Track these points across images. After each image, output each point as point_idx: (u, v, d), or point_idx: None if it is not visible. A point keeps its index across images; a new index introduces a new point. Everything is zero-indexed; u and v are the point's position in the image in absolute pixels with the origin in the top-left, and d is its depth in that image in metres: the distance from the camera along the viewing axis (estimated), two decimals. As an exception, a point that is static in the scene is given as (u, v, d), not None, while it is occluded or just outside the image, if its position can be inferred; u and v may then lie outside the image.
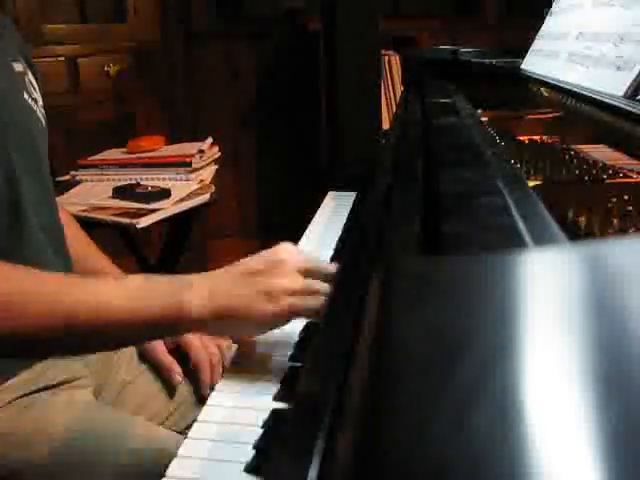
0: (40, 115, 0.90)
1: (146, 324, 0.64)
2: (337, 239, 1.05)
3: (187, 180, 1.83)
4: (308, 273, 0.68)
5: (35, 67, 0.96)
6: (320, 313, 0.65)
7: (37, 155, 0.87)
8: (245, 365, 0.70)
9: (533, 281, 0.26)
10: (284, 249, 0.69)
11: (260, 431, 0.58)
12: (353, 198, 1.28)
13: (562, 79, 0.90)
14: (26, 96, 0.88)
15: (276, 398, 0.63)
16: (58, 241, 0.91)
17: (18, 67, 0.89)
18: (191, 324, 0.64)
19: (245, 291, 0.63)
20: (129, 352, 0.97)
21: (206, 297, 0.63)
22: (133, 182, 1.78)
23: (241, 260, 0.68)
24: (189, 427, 0.61)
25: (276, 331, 0.72)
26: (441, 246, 0.42)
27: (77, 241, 1.00)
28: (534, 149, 0.92)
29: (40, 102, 0.92)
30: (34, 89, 0.91)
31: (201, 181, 1.84)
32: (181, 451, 0.57)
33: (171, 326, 0.65)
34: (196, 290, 0.63)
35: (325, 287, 0.67)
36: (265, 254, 0.68)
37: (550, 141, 1.00)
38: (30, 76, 0.92)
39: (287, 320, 0.67)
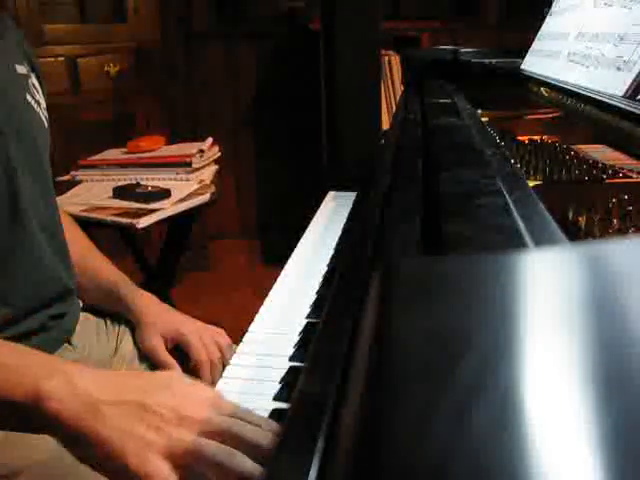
0: (42, 117, 0.91)
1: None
2: (337, 239, 1.05)
3: (187, 180, 1.83)
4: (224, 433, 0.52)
5: (38, 70, 0.96)
6: None
7: (37, 156, 0.87)
8: (245, 365, 0.70)
9: (533, 281, 0.26)
10: (198, 396, 0.54)
11: (260, 431, 0.58)
12: (353, 198, 1.28)
13: (562, 79, 0.90)
14: (29, 98, 0.88)
15: (276, 398, 0.63)
16: (58, 241, 0.91)
17: (21, 69, 0.89)
18: (43, 421, 0.51)
19: (127, 425, 0.49)
20: (129, 352, 0.97)
21: (77, 398, 0.50)
22: (133, 182, 1.78)
23: (147, 377, 0.56)
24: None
25: (276, 330, 0.72)
26: (441, 246, 0.42)
27: (77, 242, 1.00)
28: (534, 149, 0.92)
29: (43, 104, 0.92)
30: (37, 91, 0.91)
31: (201, 181, 1.84)
32: (181, 451, 0.57)
33: (18, 416, 0.53)
34: (70, 384, 0.51)
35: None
36: (174, 395, 0.52)
37: (550, 141, 1.00)
38: (33, 79, 0.92)
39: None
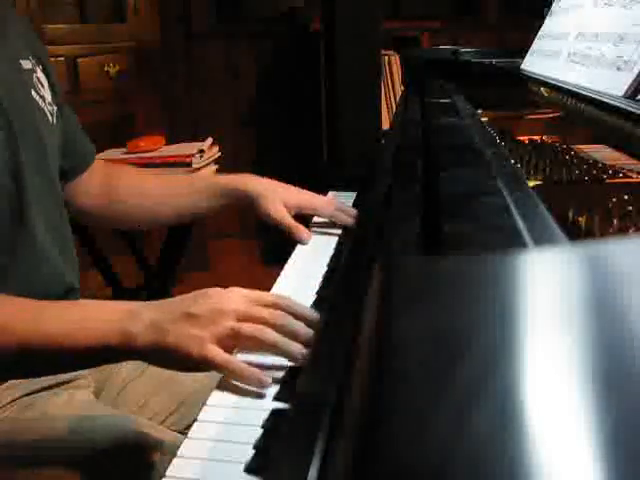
0: (47, 112, 0.90)
1: (90, 351, 0.66)
2: (337, 239, 1.05)
3: (187, 180, 1.82)
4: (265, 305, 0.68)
5: (47, 65, 0.95)
6: (278, 347, 0.64)
7: (44, 152, 0.87)
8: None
9: (533, 281, 0.26)
10: (230, 296, 0.68)
11: (260, 431, 0.58)
12: (353, 198, 1.28)
13: (562, 79, 0.90)
14: (34, 93, 0.88)
15: (276, 398, 0.63)
16: (63, 240, 0.91)
17: (26, 64, 0.88)
18: (134, 353, 0.66)
19: (183, 331, 0.64)
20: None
21: (149, 327, 0.65)
22: (133, 182, 1.78)
23: (188, 296, 0.69)
24: (189, 427, 0.61)
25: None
26: (441, 246, 0.42)
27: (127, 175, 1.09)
28: (534, 149, 0.92)
29: (48, 99, 0.92)
30: (42, 86, 0.91)
31: (201, 181, 1.84)
32: (181, 451, 0.57)
33: (115, 353, 0.67)
34: (141, 320, 0.65)
35: (292, 323, 0.66)
36: (210, 299, 0.67)
37: (550, 141, 1.00)
38: (39, 73, 0.91)
39: (228, 348, 0.65)
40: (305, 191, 1.08)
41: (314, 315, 0.70)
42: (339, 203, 1.09)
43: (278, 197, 1.01)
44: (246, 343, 0.66)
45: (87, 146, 1.07)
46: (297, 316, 0.68)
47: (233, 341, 0.66)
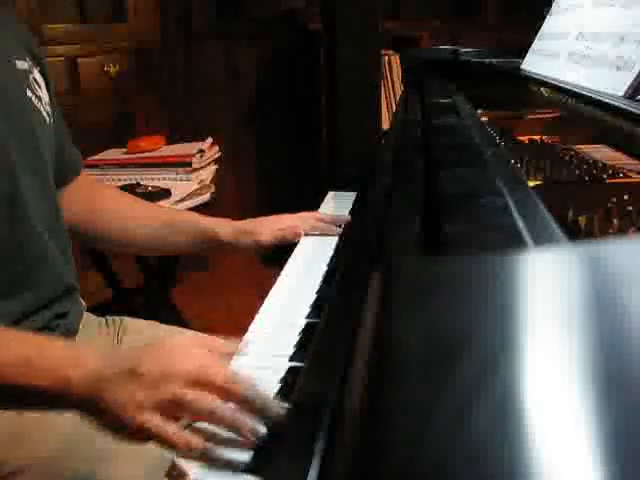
0: (44, 112, 0.90)
1: (27, 391, 0.62)
2: (337, 239, 1.05)
3: (187, 180, 1.83)
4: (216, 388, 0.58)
5: (44, 65, 0.96)
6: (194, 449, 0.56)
7: (38, 151, 0.87)
8: (245, 365, 0.70)
9: (533, 281, 0.26)
10: (185, 353, 0.61)
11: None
12: (353, 198, 1.28)
13: (562, 79, 0.90)
14: (29, 93, 0.88)
15: (276, 398, 0.63)
16: (60, 239, 0.91)
17: (22, 65, 0.89)
18: (67, 401, 0.62)
19: (122, 390, 0.58)
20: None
21: (89, 377, 0.59)
22: (133, 182, 1.78)
23: (142, 348, 0.63)
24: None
25: (276, 330, 0.72)
26: (441, 246, 0.42)
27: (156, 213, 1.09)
28: (534, 149, 0.92)
29: (45, 99, 0.92)
30: (38, 87, 0.91)
31: (201, 181, 1.84)
32: (181, 451, 0.57)
33: (57, 400, 0.63)
34: (84, 367, 0.60)
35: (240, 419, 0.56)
36: (161, 358, 0.60)
37: (550, 141, 1.00)
38: (35, 74, 0.92)
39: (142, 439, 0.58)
40: (273, 218, 1.08)
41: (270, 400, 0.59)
42: (316, 215, 1.10)
43: (256, 233, 1.04)
44: (191, 412, 0.58)
45: (72, 156, 1.05)
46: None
47: (177, 409, 0.57)
